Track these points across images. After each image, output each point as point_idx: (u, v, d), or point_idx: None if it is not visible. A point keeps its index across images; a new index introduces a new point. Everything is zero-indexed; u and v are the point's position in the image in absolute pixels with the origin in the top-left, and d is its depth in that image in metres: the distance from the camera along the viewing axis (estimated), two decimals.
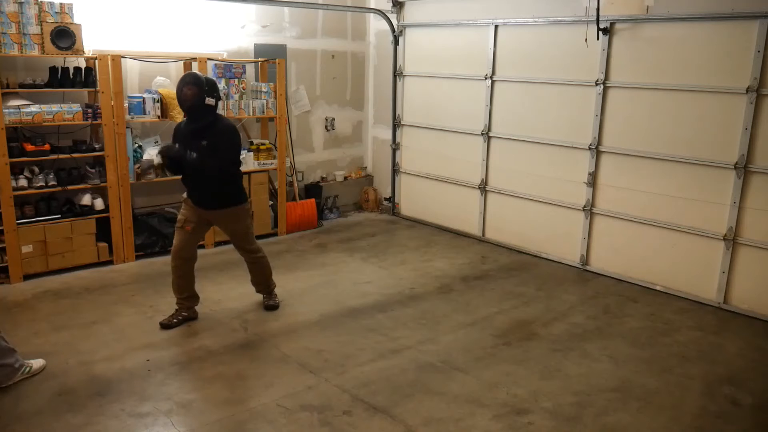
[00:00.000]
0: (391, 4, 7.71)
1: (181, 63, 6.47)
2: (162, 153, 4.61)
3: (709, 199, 5.32)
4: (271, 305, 5.14)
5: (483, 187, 7.11)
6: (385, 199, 8.47)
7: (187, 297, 4.85)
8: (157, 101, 6.09)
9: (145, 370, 4.09)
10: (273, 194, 7.24)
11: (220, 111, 6.44)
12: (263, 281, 5.17)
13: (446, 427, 3.56)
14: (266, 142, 7.05)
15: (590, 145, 6.02)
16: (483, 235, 7.21)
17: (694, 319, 5.12)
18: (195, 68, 6.37)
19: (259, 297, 5.34)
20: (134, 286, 5.54)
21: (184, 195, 4.78)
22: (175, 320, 4.75)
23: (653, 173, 5.64)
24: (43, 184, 5.60)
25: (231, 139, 4.64)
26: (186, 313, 4.83)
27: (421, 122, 7.74)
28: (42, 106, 5.47)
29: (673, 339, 4.75)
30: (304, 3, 7.27)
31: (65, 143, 5.86)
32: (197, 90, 4.46)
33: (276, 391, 3.88)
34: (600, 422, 3.64)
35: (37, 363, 4.03)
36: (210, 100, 4.52)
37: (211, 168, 4.55)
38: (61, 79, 5.66)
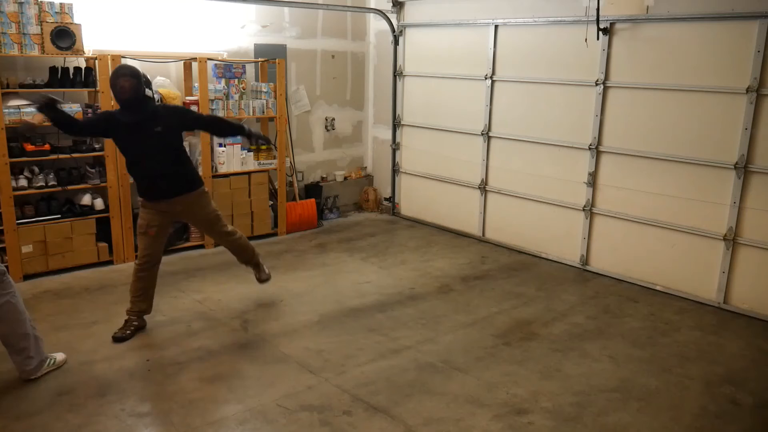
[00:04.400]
0: (391, 4, 7.71)
1: (181, 63, 6.47)
2: (41, 105, 4.16)
3: (709, 199, 5.32)
4: (264, 279, 5.22)
5: (483, 187, 7.11)
6: (385, 199, 8.47)
7: (143, 300, 4.64)
8: (158, 101, 6.08)
9: (145, 370, 4.10)
10: (273, 194, 7.24)
11: (221, 112, 6.50)
12: (248, 257, 5.16)
13: (446, 427, 3.56)
14: None
15: (590, 145, 6.03)
16: (483, 235, 7.21)
17: (694, 319, 5.12)
18: (195, 68, 6.38)
19: (259, 297, 5.35)
20: None
21: (140, 198, 4.62)
22: (128, 332, 4.52)
23: (653, 173, 5.64)
24: (43, 184, 5.60)
25: (187, 110, 4.70)
26: (137, 323, 4.60)
27: (421, 122, 7.74)
28: None
29: (673, 339, 4.75)
30: (304, 3, 7.27)
31: (65, 143, 5.86)
32: (135, 81, 4.32)
33: (276, 391, 3.88)
34: (600, 422, 3.64)
35: (60, 356, 4.11)
36: (149, 92, 4.44)
37: (223, 126, 4.93)
38: (61, 79, 5.66)
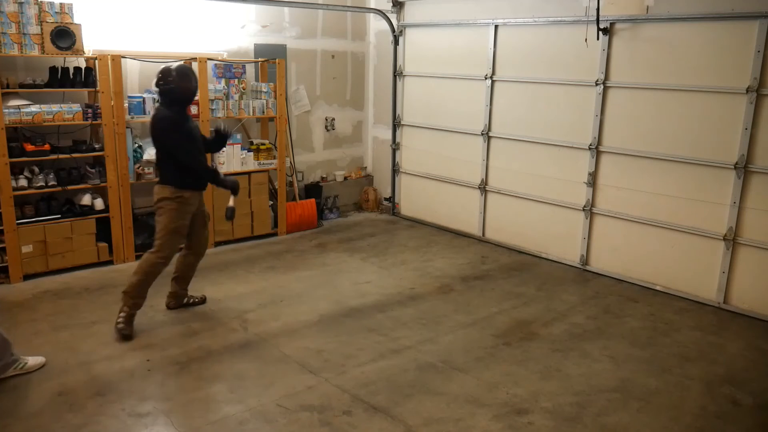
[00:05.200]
0: (391, 4, 7.71)
1: (181, 63, 6.47)
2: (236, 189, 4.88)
3: (709, 199, 5.32)
4: (201, 300, 5.16)
5: (483, 187, 7.11)
6: (385, 199, 8.47)
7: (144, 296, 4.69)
8: (157, 101, 6.08)
9: (145, 370, 4.09)
10: (273, 194, 7.24)
11: (221, 112, 6.51)
12: (188, 281, 5.10)
13: (446, 427, 3.56)
14: (266, 142, 7.05)
15: (590, 145, 6.02)
16: (483, 235, 7.21)
17: (694, 319, 5.12)
18: (195, 68, 6.36)
19: (259, 297, 5.35)
20: None
21: (183, 195, 4.59)
22: (129, 327, 4.56)
23: (653, 173, 5.64)
24: (43, 184, 5.60)
25: None
26: (134, 312, 4.64)
27: (421, 122, 7.74)
28: (42, 106, 5.47)
29: (673, 339, 4.75)
30: (304, 3, 7.27)
31: (65, 143, 5.86)
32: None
33: (276, 391, 3.88)
34: (600, 422, 3.64)
35: (34, 360, 4.04)
36: None
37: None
38: (61, 79, 5.66)
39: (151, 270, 4.59)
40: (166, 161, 4.62)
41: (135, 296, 4.58)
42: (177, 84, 4.49)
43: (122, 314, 4.57)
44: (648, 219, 5.73)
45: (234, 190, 4.82)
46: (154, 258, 4.59)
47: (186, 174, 4.60)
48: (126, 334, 4.49)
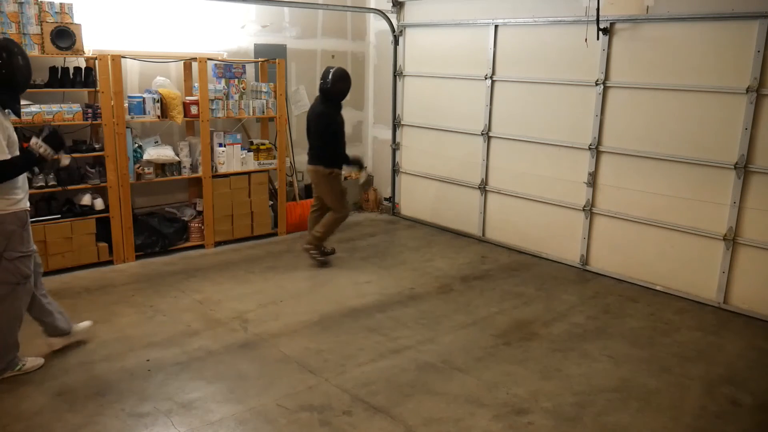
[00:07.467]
0: (391, 4, 7.71)
1: (181, 63, 6.47)
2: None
3: (709, 199, 5.32)
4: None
5: (483, 187, 7.11)
6: (385, 199, 8.47)
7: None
8: (157, 101, 6.09)
9: (145, 370, 4.09)
10: (273, 194, 7.23)
11: (221, 112, 6.51)
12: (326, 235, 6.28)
13: (446, 427, 3.56)
14: (266, 142, 7.05)
15: (590, 145, 6.03)
16: (483, 235, 7.21)
17: (694, 319, 5.12)
18: (195, 68, 6.37)
19: (259, 297, 5.36)
20: (134, 286, 5.54)
21: (334, 171, 5.96)
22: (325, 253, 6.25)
23: (653, 173, 5.65)
24: (43, 184, 5.60)
25: None
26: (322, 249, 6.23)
27: (421, 122, 7.74)
28: (42, 106, 5.47)
29: (673, 339, 4.76)
30: (304, 3, 7.27)
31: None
32: None
33: (276, 391, 3.88)
34: (600, 422, 3.64)
35: (32, 361, 4.04)
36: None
37: None
38: (61, 79, 5.66)
39: (335, 223, 6.07)
40: (321, 146, 5.87)
41: (322, 243, 6.12)
42: (331, 85, 5.75)
43: (317, 256, 6.10)
44: (648, 219, 5.73)
45: (360, 165, 6.36)
46: (337, 215, 6.03)
47: (334, 155, 5.91)
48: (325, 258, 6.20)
